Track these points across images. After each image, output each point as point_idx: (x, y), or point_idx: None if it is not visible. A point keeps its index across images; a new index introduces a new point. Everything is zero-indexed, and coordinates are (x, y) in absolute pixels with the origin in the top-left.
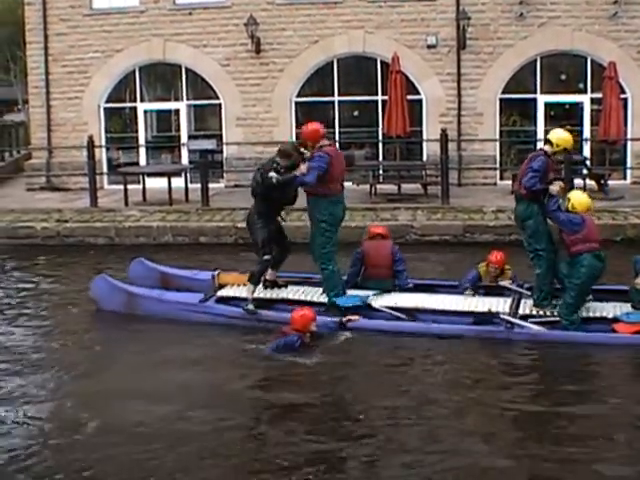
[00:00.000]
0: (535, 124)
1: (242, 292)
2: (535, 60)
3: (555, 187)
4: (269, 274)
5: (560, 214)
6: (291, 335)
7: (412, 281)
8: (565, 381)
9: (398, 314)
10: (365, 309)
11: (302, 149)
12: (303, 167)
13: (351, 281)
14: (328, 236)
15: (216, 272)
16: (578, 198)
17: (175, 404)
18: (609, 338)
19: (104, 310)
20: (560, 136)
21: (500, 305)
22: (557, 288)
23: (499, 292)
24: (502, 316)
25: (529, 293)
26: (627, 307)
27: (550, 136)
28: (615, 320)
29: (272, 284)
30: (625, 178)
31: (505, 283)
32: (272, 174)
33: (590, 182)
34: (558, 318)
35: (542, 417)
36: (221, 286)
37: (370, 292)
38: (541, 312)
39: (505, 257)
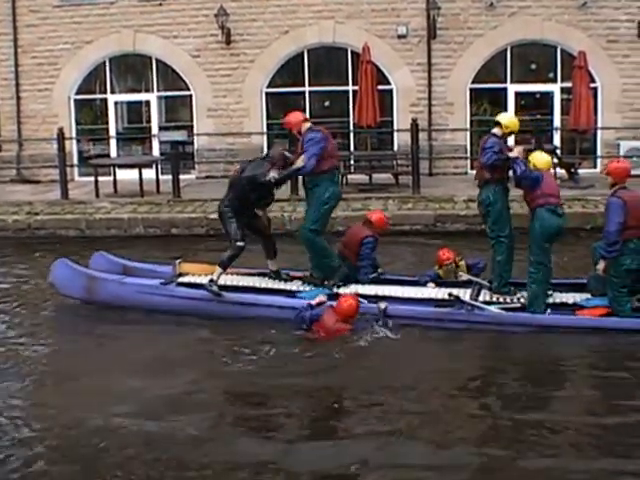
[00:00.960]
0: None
1: (203, 280)
2: (505, 49)
3: (514, 152)
4: (270, 264)
5: (532, 172)
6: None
7: (371, 277)
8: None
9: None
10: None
11: (287, 154)
12: (300, 161)
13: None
14: (324, 214)
15: (177, 261)
16: (539, 157)
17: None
18: (572, 320)
19: (63, 295)
20: (509, 118)
21: (461, 293)
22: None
23: (461, 286)
24: (463, 299)
25: (489, 284)
26: (587, 296)
27: (499, 118)
28: (576, 306)
29: (276, 274)
30: (595, 167)
31: (465, 276)
32: (272, 174)
33: (560, 171)
34: (519, 305)
35: None
36: (182, 275)
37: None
38: (501, 299)
39: (452, 250)
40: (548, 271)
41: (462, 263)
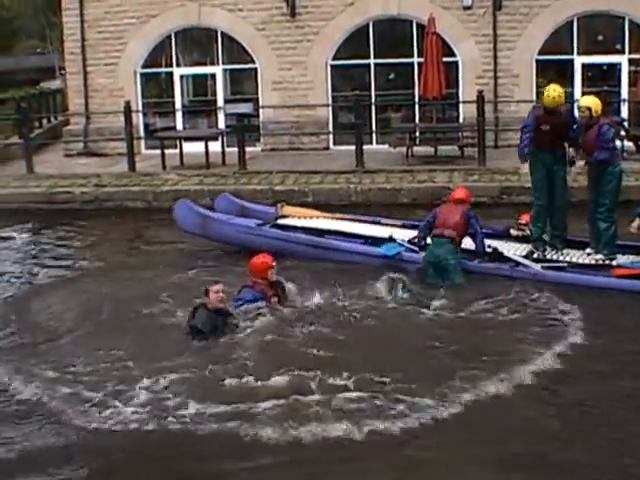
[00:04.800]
0: (572, 85)
1: (301, 223)
2: (572, 20)
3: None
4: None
5: None
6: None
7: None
8: None
9: None
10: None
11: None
12: None
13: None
14: None
15: (280, 204)
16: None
17: None
18: (604, 282)
19: (183, 231)
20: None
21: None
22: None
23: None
24: (506, 254)
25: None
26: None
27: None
28: (617, 266)
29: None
30: None
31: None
32: None
33: (628, 143)
34: (564, 264)
35: None
36: (283, 217)
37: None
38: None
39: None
40: None
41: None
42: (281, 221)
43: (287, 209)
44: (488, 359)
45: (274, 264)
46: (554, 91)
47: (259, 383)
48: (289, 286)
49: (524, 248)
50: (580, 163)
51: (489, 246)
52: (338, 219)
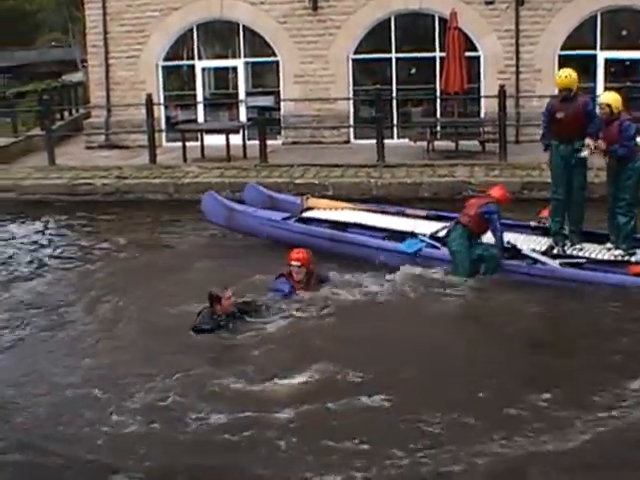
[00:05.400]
0: (594, 81)
1: (326, 216)
2: (595, 15)
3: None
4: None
5: None
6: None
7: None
8: None
9: None
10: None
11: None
12: None
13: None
14: None
15: (305, 196)
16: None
17: None
18: (620, 280)
19: (210, 222)
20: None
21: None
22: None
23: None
24: (524, 251)
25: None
26: None
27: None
28: (635, 263)
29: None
30: None
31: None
32: None
33: None
34: (583, 260)
35: None
36: (308, 209)
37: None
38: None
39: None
40: None
41: None
42: (306, 214)
43: (312, 201)
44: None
45: (298, 263)
46: (564, 72)
47: (272, 385)
48: (330, 274)
49: (545, 242)
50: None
51: (508, 242)
52: (363, 210)
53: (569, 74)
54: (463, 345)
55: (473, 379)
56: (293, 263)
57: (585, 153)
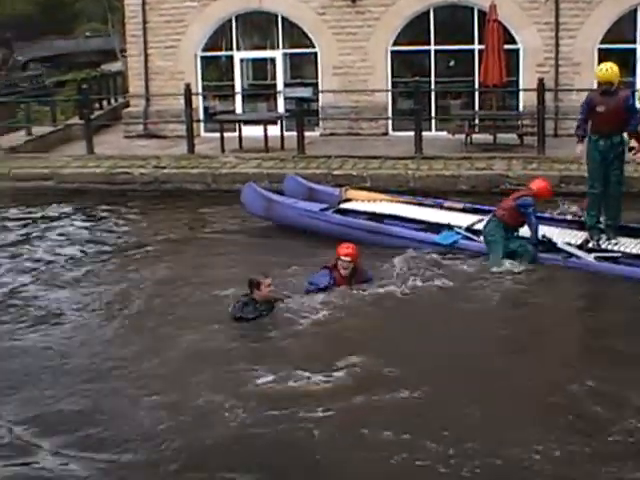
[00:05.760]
0: (634, 75)
1: (364, 207)
2: (635, 9)
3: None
4: None
5: None
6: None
7: None
8: None
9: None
10: None
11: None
12: None
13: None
14: None
15: (344, 188)
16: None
17: None
18: None
19: (250, 213)
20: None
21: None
22: None
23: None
24: (559, 245)
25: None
26: None
27: None
28: None
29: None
30: None
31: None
32: None
33: None
34: (618, 254)
35: None
36: (347, 201)
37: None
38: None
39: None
40: None
41: None
42: (344, 205)
43: (351, 192)
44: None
45: (348, 259)
46: (605, 65)
47: (307, 381)
48: (370, 272)
49: (581, 236)
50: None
51: (543, 236)
52: (400, 202)
53: (610, 67)
54: (502, 339)
55: (513, 374)
56: (343, 258)
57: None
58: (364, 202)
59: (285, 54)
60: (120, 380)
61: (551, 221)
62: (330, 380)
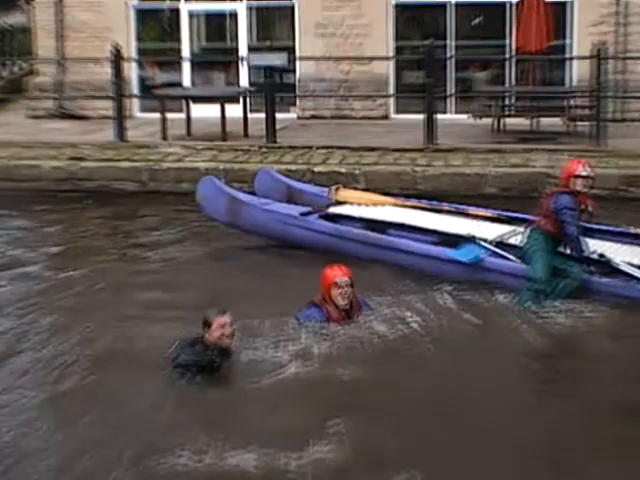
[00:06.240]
0: None
1: (360, 212)
2: None
3: None
4: None
5: None
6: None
7: None
8: None
9: None
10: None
11: None
12: None
13: None
14: None
15: (334, 187)
16: None
17: None
18: None
19: (209, 217)
20: None
21: None
22: None
23: None
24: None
25: None
26: None
27: None
28: None
29: None
30: None
31: None
32: None
33: None
34: None
35: None
36: (338, 203)
37: None
38: None
39: None
40: None
41: None
42: (334, 209)
43: (343, 193)
44: None
45: (346, 279)
46: None
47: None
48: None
49: None
50: None
51: (600, 254)
52: (409, 206)
53: None
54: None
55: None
56: (338, 280)
57: None
58: (360, 206)
59: (250, 7)
60: None
61: (609, 234)
62: (300, 463)
